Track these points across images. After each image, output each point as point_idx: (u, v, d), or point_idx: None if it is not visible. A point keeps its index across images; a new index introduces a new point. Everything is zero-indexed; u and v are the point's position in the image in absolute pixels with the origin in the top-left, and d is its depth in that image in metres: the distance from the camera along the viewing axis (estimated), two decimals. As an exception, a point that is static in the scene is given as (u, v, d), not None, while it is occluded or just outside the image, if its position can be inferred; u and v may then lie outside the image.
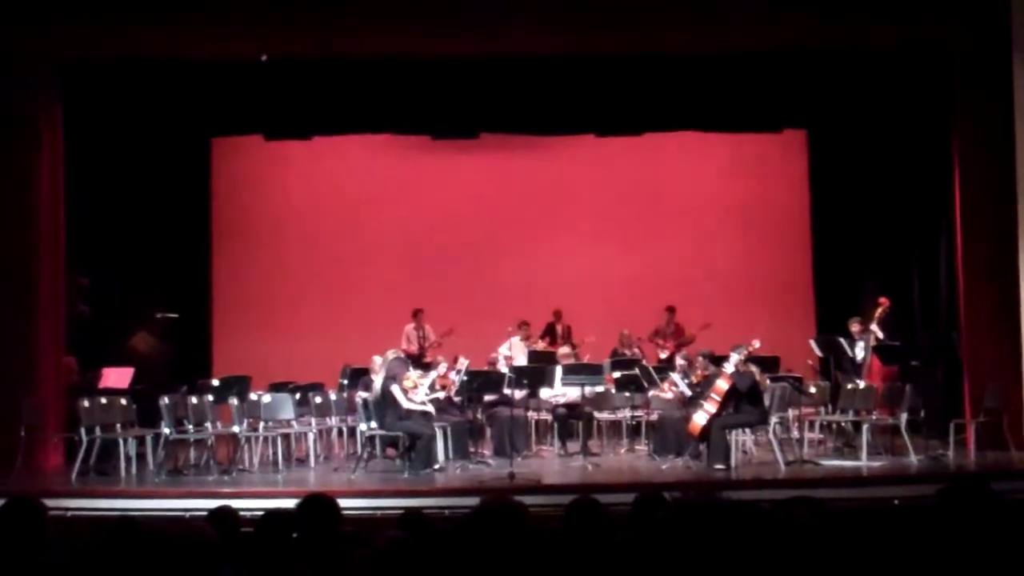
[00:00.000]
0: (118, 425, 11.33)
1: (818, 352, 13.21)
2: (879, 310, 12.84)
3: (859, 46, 12.57)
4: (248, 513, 5.91)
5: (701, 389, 11.21)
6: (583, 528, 4.09)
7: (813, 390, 12.27)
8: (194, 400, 11.48)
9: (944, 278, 13.28)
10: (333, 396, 12.46)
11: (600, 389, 12.61)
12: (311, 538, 4.60)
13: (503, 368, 12.29)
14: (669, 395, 12.08)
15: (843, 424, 12.08)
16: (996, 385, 11.78)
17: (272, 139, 14.52)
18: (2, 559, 4.21)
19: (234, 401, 11.46)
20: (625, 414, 12.83)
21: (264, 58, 12.56)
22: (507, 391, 11.86)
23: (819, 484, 9.65)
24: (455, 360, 12.33)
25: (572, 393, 12.26)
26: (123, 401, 11.51)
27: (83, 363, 12.75)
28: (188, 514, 7.92)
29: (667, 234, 15.93)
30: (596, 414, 12.91)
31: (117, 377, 12.20)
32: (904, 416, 11.20)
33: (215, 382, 12.29)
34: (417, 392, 11.28)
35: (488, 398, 12.26)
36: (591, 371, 12.22)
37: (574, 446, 12.32)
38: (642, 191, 16.00)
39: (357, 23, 12.03)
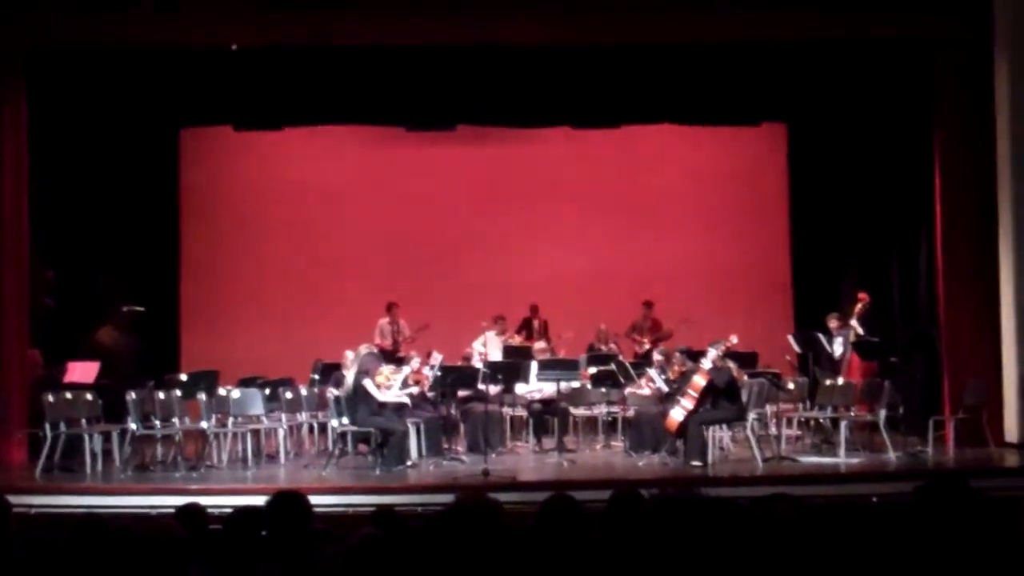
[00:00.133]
0: (83, 420, 11.22)
1: (796, 348, 13.19)
2: (859, 305, 12.87)
3: (840, 39, 12.50)
4: (217, 510, 5.98)
5: (678, 385, 11.17)
6: (558, 526, 4.02)
7: (791, 386, 12.24)
8: (161, 395, 11.36)
9: (924, 273, 13.25)
10: (304, 391, 12.39)
11: (576, 385, 12.62)
12: (281, 536, 4.58)
13: (477, 363, 12.22)
14: (646, 391, 12.10)
15: (821, 420, 12.08)
16: (976, 381, 11.78)
17: (241, 129, 14.36)
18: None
19: (202, 396, 11.34)
20: (601, 410, 12.79)
21: (234, 47, 12.39)
22: (481, 386, 11.81)
23: (797, 481, 9.62)
24: (429, 355, 12.23)
25: (547, 389, 12.22)
26: (88, 396, 11.40)
27: (48, 357, 12.59)
28: (155, 511, 7.89)
29: (645, 228, 15.86)
30: (572, 410, 12.87)
31: (82, 371, 12.06)
32: (883, 412, 11.20)
33: (183, 377, 12.21)
34: (390, 388, 11.19)
35: (462, 393, 12.18)
36: (567, 366, 12.19)
37: (549, 442, 12.26)
38: (620, 184, 15.93)
39: (330, 11, 11.88)
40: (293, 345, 14.32)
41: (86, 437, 10.93)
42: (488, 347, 13.35)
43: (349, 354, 11.57)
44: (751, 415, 11.14)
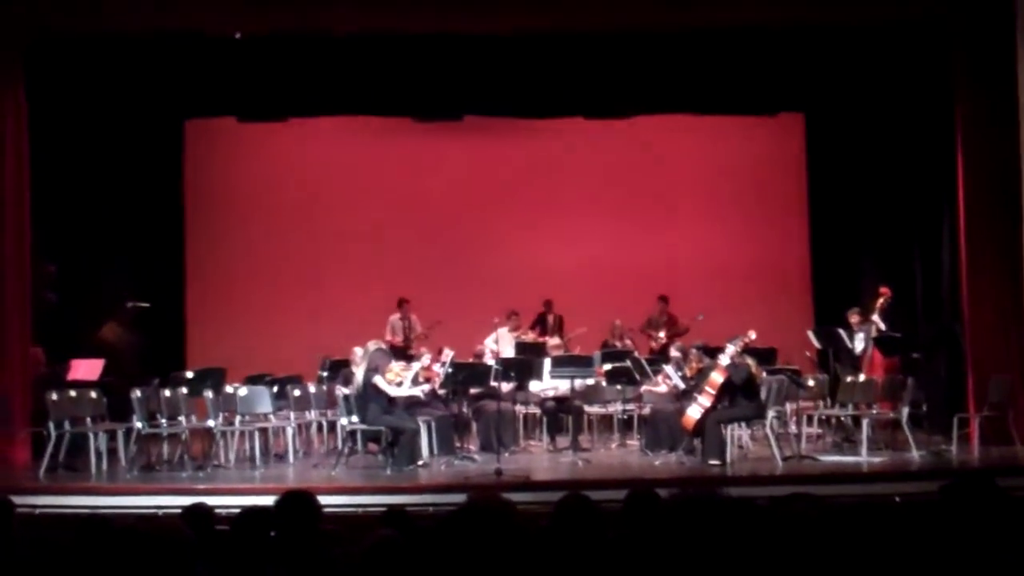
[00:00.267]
0: (88, 419, 11.16)
1: (816, 344, 13.05)
2: (880, 300, 12.73)
3: (857, 23, 12.39)
4: (224, 511, 5.95)
5: (695, 382, 11.04)
6: (573, 526, 4.02)
7: (811, 383, 12.13)
8: (167, 393, 11.29)
9: (947, 267, 13.10)
10: (312, 389, 12.31)
11: (590, 382, 12.52)
12: (290, 537, 4.59)
13: (490, 360, 12.10)
14: (662, 388, 11.99)
15: (842, 418, 11.96)
16: (1000, 378, 11.60)
17: (246, 121, 14.31)
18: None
19: (209, 394, 11.25)
20: (616, 408, 12.68)
21: (238, 36, 12.33)
22: (494, 384, 11.68)
23: (818, 480, 9.55)
24: (440, 352, 12.10)
25: (561, 386, 12.12)
26: (93, 394, 11.35)
27: (51, 354, 12.55)
28: (161, 512, 7.90)
29: (660, 221, 15.73)
30: (586, 408, 12.74)
31: (86, 369, 12.06)
32: (905, 410, 11.08)
33: (189, 374, 12.09)
34: (400, 386, 11.07)
35: (474, 391, 12.04)
36: (581, 363, 12.09)
37: (563, 441, 12.18)
38: (634, 176, 15.77)
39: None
40: (301, 341, 14.22)
41: (91, 436, 10.88)
42: (500, 343, 13.24)
43: (358, 351, 11.44)
44: (770, 413, 11.03)
